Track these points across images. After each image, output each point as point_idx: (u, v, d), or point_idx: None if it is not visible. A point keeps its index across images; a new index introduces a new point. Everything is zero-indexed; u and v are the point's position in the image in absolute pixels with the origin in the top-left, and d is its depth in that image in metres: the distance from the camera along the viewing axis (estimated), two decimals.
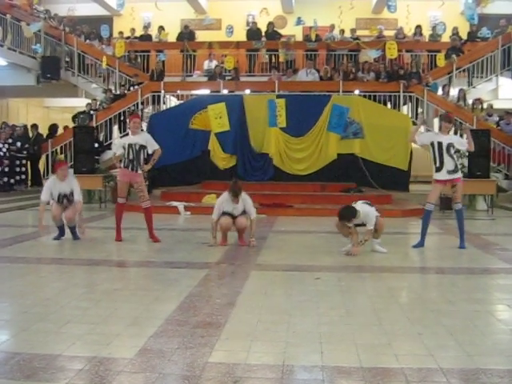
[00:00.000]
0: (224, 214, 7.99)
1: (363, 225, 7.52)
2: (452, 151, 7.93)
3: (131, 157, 8.24)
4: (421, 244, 8.08)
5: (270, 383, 3.31)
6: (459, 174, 8.02)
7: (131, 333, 4.17)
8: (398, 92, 16.00)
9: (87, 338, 4.03)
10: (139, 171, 8.37)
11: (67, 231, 8.64)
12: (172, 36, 19.59)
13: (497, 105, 16.95)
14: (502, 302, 5.28)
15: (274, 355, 3.74)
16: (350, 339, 4.06)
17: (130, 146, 8.24)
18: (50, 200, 8.46)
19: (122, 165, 8.35)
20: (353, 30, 19.29)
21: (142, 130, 8.47)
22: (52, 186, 8.42)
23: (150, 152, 8.46)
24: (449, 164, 7.89)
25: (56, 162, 8.66)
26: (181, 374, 3.43)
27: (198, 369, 3.48)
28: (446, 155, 7.87)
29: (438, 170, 7.95)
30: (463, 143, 8.24)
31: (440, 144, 7.88)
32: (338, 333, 4.22)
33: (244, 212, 8.06)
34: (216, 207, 8.06)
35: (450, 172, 7.89)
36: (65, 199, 8.42)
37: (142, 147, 8.29)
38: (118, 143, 8.47)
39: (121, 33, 19.75)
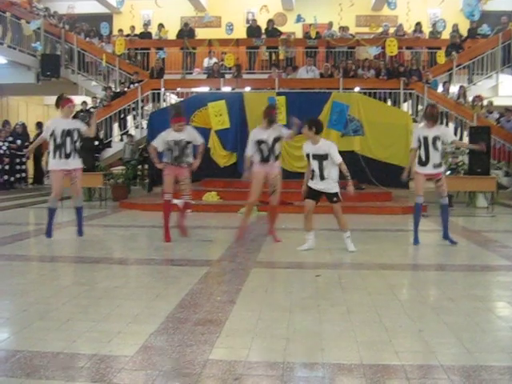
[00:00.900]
0: (260, 143, 7.96)
1: (326, 158, 7.39)
2: (438, 144, 7.81)
3: (177, 153, 8.05)
4: (416, 241, 8.08)
5: (270, 380, 3.31)
6: (442, 168, 7.98)
7: (132, 330, 4.17)
8: (398, 89, 16.01)
9: (88, 336, 4.03)
10: (185, 165, 8.16)
11: (63, 231, 8.60)
12: (172, 33, 19.60)
13: (497, 102, 16.96)
14: (503, 299, 5.28)
15: (275, 352, 3.74)
16: (350, 336, 4.06)
17: (175, 142, 8.03)
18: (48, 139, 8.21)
19: (166, 161, 8.13)
20: (346, 28, 19.26)
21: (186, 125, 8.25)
22: (55, 124, 8.24)
23: (198, 143, 8.34)
24: (434, 158, 7.80)
25: (62, 99, 8.35)
26: (181, 371, 3.43)
27: (198, 366, 3.48)
28: (431, 149, 7.78)
29: (424, 164, 7.85)
30: (450, 135, 8.13)
31: (426, 138, 7.79)
32: (338, 330, 4.22)
33: (278, 139, 8.00)
34: (249, 141, 8.10)
35: (435, 166, 7.83)
36: (68, 137, 8.19)
37: (188, 143, 8.12)
38: (161, 139, 8.14)
39: (120, 30, 19.75)
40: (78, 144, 8.35)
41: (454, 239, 8.06)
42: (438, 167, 7.85)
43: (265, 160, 8.02)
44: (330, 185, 7.45)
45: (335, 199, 7.48)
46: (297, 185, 13.86)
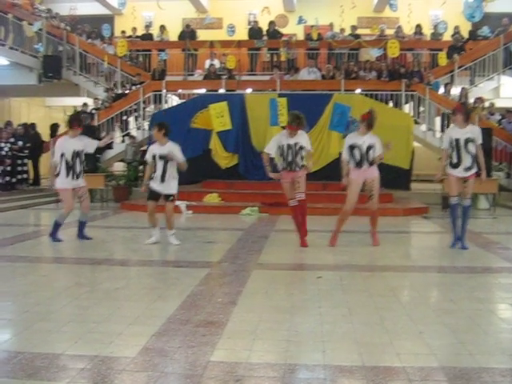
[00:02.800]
0: (352, 148, 7.89)
1: (301, 149, 7.81)
2: (471, 147, 7.59)
3: (290, 158, 7.88)
4: (454, 243, 7.90)
5: (271, 382, 3.31)
6: (474, 171, 7.72)
7: (133, 332, 4.18)
8: (400, 91, 16.00)
9: (89, 337, 4.03)
10: (298, 169, 7.92)
11: (64, 232, 8.60)
12: (173, 35, 19.61)
13: (499, 103, 16.94)
14: (504, 301, 5.28)
15: (276, 354, 3.74)
16: (351, 338, 4.06)
17: (289, 146, 7.88)
18: (59, 165, 8.33)
19: (281, 167, 7.99)
20: (353, 28, 19.26)
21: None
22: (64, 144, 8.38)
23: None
24: (466, 161, 7.62)
25: (75, 121, 8.54)
26: (183, 372, 3.43)
27: (199, 368, 3.48)
28: (463, 151, 7.59)
29: (455, 166, 7.68)
30: (480, 138, 7.71)
31: (457, 140, 7.60)
32: (339, 332, 4.22)
33: (300, 149, 7.92)
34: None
35: (466, 169, 7.65)
36: (78, 158, 8.35)
37: (302, 148, 7.92)
38: (273, 144, 8.02)
39: (123, 32, 19.76)
40: (84, 163, 8.66)
41: (467, 245, 7.91)
42: (470, 170, 7.65)
43: (358, 165, 7.87)
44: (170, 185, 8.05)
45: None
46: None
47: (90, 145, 8.64)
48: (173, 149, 7.97)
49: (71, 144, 8.35)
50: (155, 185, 8.01)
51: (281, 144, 7.92)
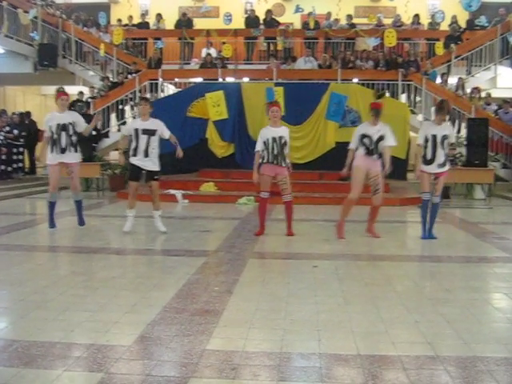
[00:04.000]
0: (364, 137, 7.75)
1: (285, 144, 7.85)
2: (446, 144, 7.63)
3: (276, 151, 7.85)
4: (424, 235, 7.91)
5: (267, 370, 3.32)
6: (447, 168, 7.75)
7: (129, 320, 4.18)
8: (397, 80, 15.96)
9: (85, 326, 4.03)
10: (284, 164, 7.92)
11: (60, 221, 8.60)
12: (170, 23, 19.50)
13: (495, 94, 16.92)
14: (499, 291, 5.30)
15: (272, 343, 3.75)
16: (347, 327, 4.08)
17: (273, 139, 7.86)
18: (47, 137, 8.20)
19: (264, 160, 7.92)
20: (349, 17, 19.19)
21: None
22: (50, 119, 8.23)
23: None
24: (440, 157, 7.64)
25: (57, 92, 8.43)
26: (179, 361, 3.44)
27: (195, 356, 3.49)
28: (439, 148, 7.60)
29: (429, 162, 7.67)
30: (453, 137, 7.85)
31: (434, 137, 7.59)
32: (335, 320, 4.23)
33: (285, 144, 7.89)
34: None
35: (439, 166, 7.66)
36: (63, 132, 8.16)
37: (286, 143, 7.89)
38: (260, 140, 8.00)
39: (119, 20, 19.64)
40: (74, 138, 8.30)
41: (435, 234, 7.92)
42: (442, 166, 7.66)
43: (369, 153, 7.75)
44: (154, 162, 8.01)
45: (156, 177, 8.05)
46: (294, 176, 13.94)
47: (78, 121, 8.35)
48: (158, 125, 8.02)
49: (57, 118, 8.18)
50: (138, 160, 7.93)
51: (266, 138, 7.90)
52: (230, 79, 16.82)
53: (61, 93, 8.38)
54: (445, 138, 7.59)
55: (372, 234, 8.05)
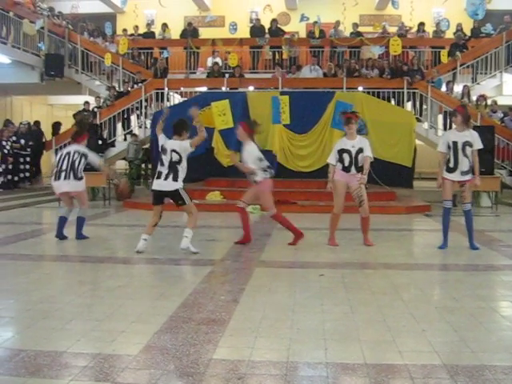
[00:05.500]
0: (342, 152, 7.77)
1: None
2: (468, 151, 7.47)
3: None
4: (445, 245, 7.80)
5: (274, 380, 3.31)
6: (471, 175, 7.64)
7: (135, 330, 4.18)
8: (402, 88, 15.96)
9: (91, 335, 4.04)
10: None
11: (67, 230, 8.60)
12: (175, 33, 19.60)
13: (501, 101, 16.89)
14: (507, 299, 5.27)
15: (278, 352, 3.74)
16: (354, 336, 4.06)
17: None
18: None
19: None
20: (355, 25, 19.22)
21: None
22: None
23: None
24: (463, 165, 7.51)
25: (79, 134, 8.63)
26: (185, 370, 3.43)
27: (202, 365, 3.49)
28: (461, 155, 7.48)
29: (452, 170, 7.57)
30: (479, 144, 7.57)
31: (455, 144, 7.47)
32: (342, 329, 4.22)
33: (360, 151, 7.75)
34: (332, 151, 7.97)
35: (463, 173, 7.56)
36: (65, 160, 8.23)
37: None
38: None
39: (124, 30, 19.75)
40: (77, 169, 8.32)
41: (476, 245, 7.78)
42: (466, 174, 7.57)
43: (346, 170, 7.79)
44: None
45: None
46: (301, 184, 14.01)
47: (90, 155, 8.47)
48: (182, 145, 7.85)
49: (68, 147, 8.44)
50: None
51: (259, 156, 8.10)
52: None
53: (84, 136, 8.66)
54: (466, 144, 7.47)
55: (368, 243, 8.02)
